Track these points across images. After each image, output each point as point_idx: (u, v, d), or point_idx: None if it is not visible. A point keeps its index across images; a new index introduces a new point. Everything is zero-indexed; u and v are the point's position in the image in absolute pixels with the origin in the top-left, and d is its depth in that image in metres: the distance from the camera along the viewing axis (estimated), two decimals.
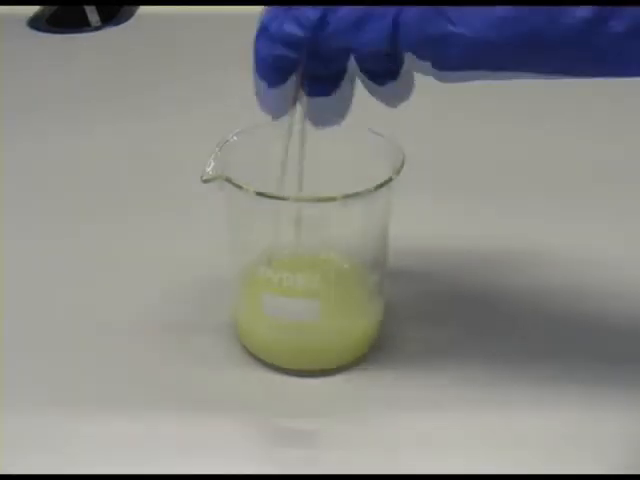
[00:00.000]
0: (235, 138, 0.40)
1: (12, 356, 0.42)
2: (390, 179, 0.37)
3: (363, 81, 0.36)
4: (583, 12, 0.29)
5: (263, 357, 0.41)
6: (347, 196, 0.36)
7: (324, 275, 0.39)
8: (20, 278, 0.48)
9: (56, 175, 0.60)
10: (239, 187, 0.36)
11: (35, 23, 0.90)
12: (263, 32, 0.34)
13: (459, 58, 0.31)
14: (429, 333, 0.44)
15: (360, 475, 0.36)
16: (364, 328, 0.42)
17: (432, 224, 0.53)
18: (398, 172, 0.37)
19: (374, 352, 0.42)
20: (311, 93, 0.36)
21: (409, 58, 0.33)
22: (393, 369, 0.41)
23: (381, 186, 0.37)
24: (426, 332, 0.44)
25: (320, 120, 0.38)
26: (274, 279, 0.39)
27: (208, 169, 0.37)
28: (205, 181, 0.37)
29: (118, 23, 0.90)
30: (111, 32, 0.89)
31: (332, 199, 0.36)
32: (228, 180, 0.37)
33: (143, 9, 0.93)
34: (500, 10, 0.30)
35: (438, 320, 0.45)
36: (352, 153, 0.39)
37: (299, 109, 0.37)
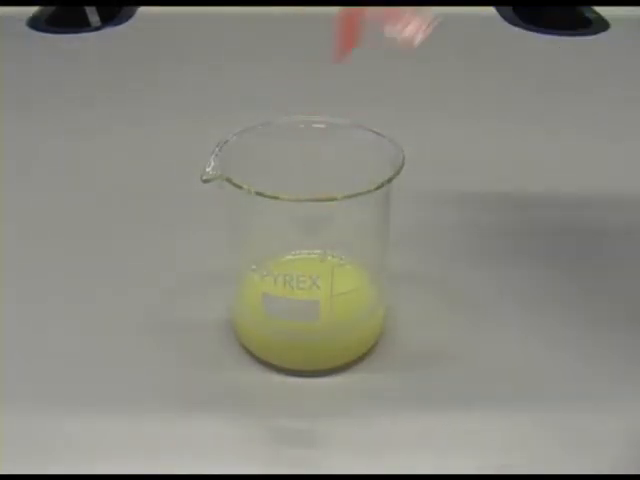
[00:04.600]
0: (235, 138, 0.40)
1: (12, 356, 0.42)
2: (390, 179, 0.37)
3: None
4: None
5: (263, 357, 0.41)
6: (347, 196, 0.36)
7: (324, 275, 0.39)
8: (19, 278, 0.48)
9: (56, 175, 0.60)
10: (239, 187, 0.36)
11: (35, 23, 0.90)
12: None
13: None
14: (429, 333, 0.44)
15: (360, 475, 0.36)
16: (364, 328, 0.42)
17: (432, 224, 0.53)
18: (398, 172, 0.37)
19: (374, 352, 0.42)
20: None
21: None
22: (393, 369, 0.41)
23: (381, 186, 0.37)
24: (426, 332, 0.44)
25: None
26: (274, 279, 0.39)
27: (208, 169, 0.37)
28: (205, 181, 0.37)
29: (118, 23, 0.90)
30: (111, 32, 0.89)
31: (332, 199, 0.36)
32: (228, 180, 0.37)
33: (143, 9, 0.93)
34: None
35: (438, 321, 0.45)
36: (352, 153, 0.39)
37: None
